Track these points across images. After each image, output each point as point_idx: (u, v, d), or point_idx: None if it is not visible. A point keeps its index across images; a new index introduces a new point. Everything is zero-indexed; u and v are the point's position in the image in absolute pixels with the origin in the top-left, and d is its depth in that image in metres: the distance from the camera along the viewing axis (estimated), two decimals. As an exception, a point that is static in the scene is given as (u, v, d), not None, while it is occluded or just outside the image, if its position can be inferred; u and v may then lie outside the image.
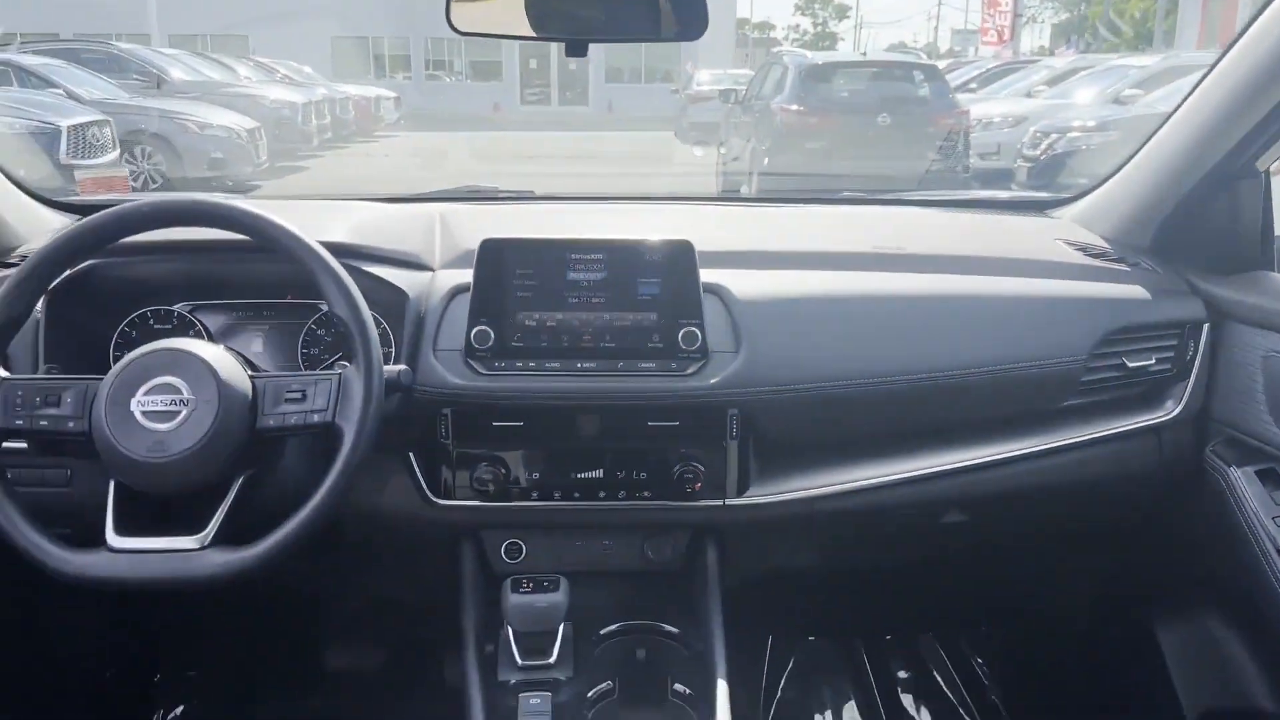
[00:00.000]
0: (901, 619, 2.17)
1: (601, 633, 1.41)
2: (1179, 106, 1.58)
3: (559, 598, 1.32)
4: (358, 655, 2.06)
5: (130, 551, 1.20)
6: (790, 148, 8.68)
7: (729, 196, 1.98)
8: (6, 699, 1.68)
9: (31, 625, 1.76)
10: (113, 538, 1.21)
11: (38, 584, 1.26)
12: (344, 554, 1.53)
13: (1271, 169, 1.59)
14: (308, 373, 1.29)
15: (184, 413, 1.20)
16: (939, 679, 2.13)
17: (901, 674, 2.15)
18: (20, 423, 1.23)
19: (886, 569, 1.91)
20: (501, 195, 2.02)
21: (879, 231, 1.74)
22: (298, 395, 1.25)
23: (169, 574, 1.19)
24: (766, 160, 8.68)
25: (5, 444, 1.24)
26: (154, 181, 8.60)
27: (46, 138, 7.47)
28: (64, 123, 7.59)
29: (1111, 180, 1.79)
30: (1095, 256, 1.67)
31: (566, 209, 1.91)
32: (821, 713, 2.08)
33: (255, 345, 1.55)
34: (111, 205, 1.68)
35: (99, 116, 8.05)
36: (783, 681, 2.11)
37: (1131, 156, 1.71)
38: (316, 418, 1.24)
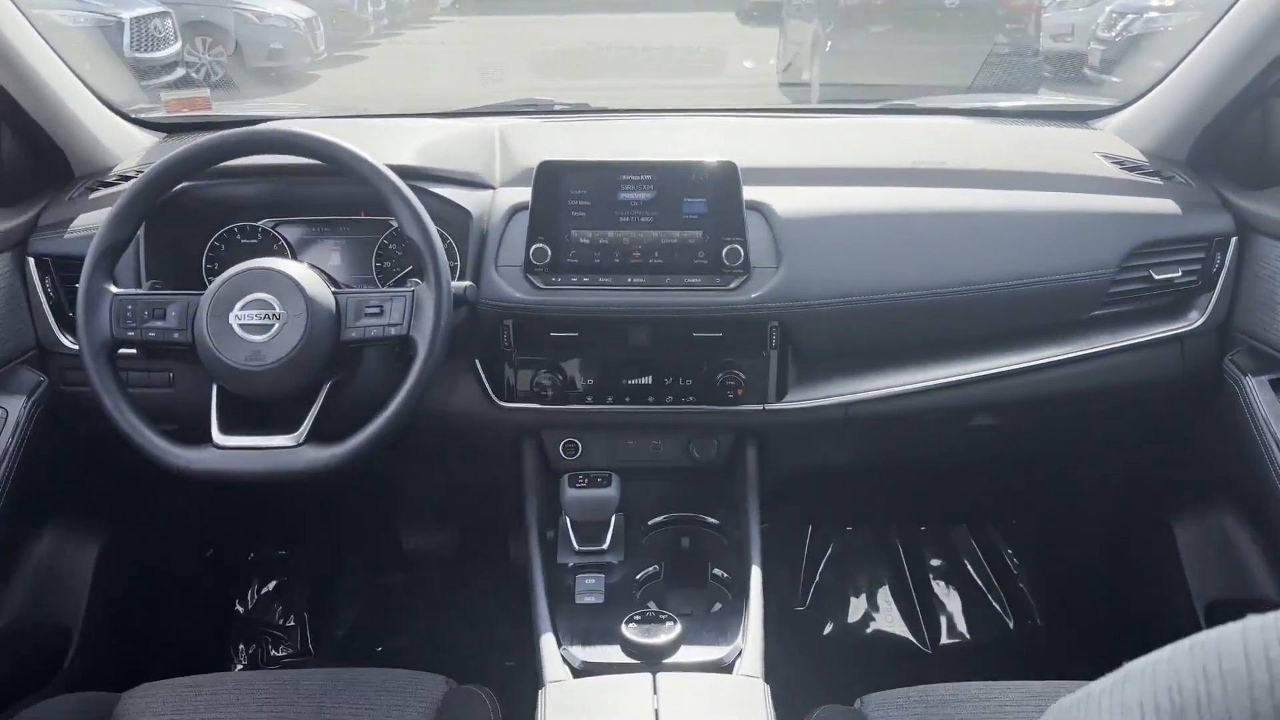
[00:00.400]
0: (935, 511, 2.30)
1: (650, 523, 1.56)
2: (1219, 20, 1.61)
3: (611, 492, 1.46)
4: (431, 536, 2.25)
5: (234, 449, 1.36)
6: (853, 31, 8.44)
7: (775, 109, 2.02)
8: (120, 579, 1.89)
9: (141, 514, 1.96)
10: (218, 436, 1.36)
11: (148, 477, 1.43)
12: (419, 449, 1.68)
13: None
14: (385, 289, 1.42)
15: (276, 326, 1.34)
16: (969, 567, 2.27)
17: (934, 561, 2.29)
18: (131, 333, 1.38)
19: (920, 466, 2.03)
20: (557, 109, 2.09)
21: (920, 145, 1.79)
22: (376, 310, 1.38)
23: (269, 468, 1.35)
24: (829, 45, 8.46)
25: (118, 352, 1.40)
26: (215, 74, 8.67)
27: (110, 31, 7.55)
28: (126, 15, 7.63)
29: (1153, 92, 1.82)
30: (1131, 170, 1.71)
31: (620, 124, 1.98)
32: (856, 595, 2.23)
33: (333, 258, 1.68)
34: (192, 121, 1.80)
35: (160, 8, 8.07)
36: (821, 566, 2.26)
37: (1173, 68, 1.74)
38: (393, 330, 1.37)
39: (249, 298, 1.36)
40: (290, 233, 1.66)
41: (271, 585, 2.23)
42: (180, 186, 1.53)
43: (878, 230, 1.58)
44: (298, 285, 1.36)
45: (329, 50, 9.89)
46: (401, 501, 2.20)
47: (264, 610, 2.21)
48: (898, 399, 1.60)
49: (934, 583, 2.25)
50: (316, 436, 1.36)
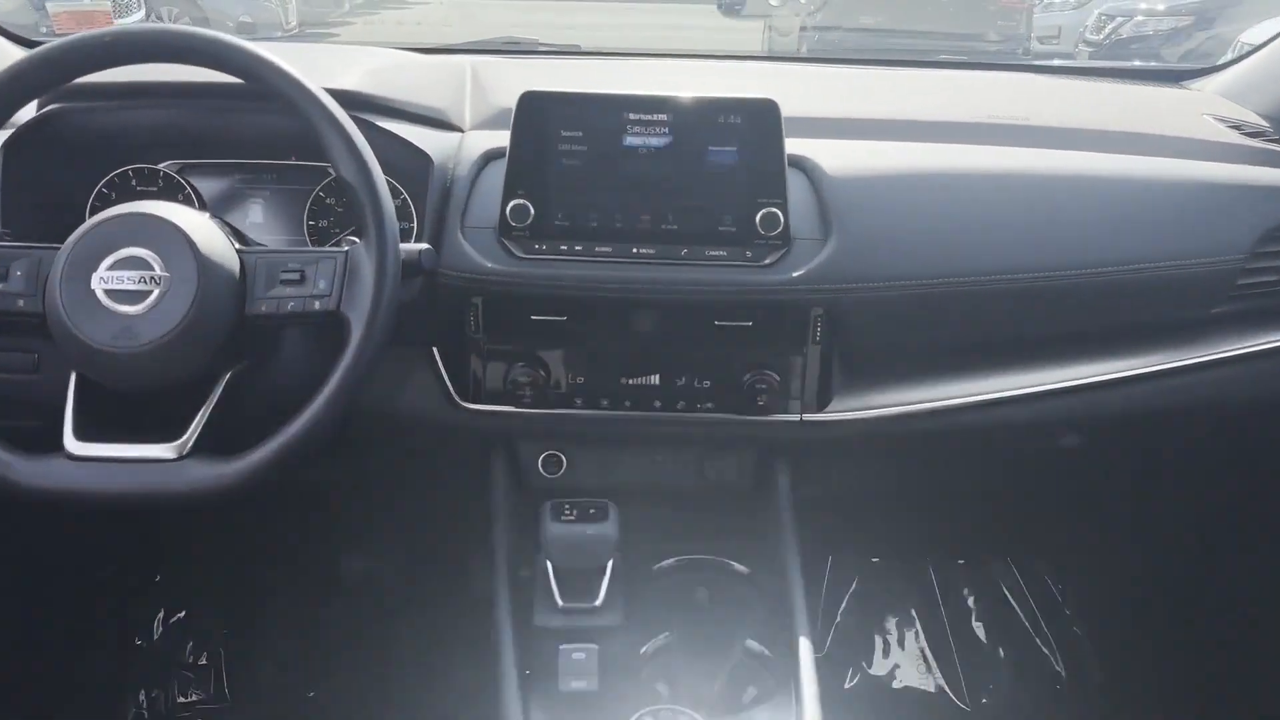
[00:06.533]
0: (974, 540, 1.97)
1: (656, 567, 1.21)
2: None
3: (608, 529, 1.12)
4: (374, 559, 1.90)
5: (93, 459, 1.00)
6: (842, 17, 8.16)
7: (811, 57, 1.66)
8: None
9: (11, 531, 1.59)
10: (72, 443, 1.01)
11: None
12: (356, 459, 1.34)
13: None
14: (307, 249, 1.06)
15: (156, 293, 0.99)
16: (1016, 607, 1.94)
17: (972, 600, 1.97)
18: None
19: (972, 490, 1.70)
20: (542, 49, 1.76)
21: (991, 98, 1.47)
22: (295, 275, 1.03)
23: (139, 489, 1.00)
24: (816, 38, 8.18)
25: None
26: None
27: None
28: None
29: (1267, 48, 1.50)
30: (1253, 135, 1.40)
31: (619, 66, 1.65)
32: (884, 637, 1.91)
33: (254, 214, 1.36)
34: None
35: (126, -27, 7.68)
36: (842, 605, 1.93)
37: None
38: (318, 305, 1.03)
39: (119, 254, 1.01)
40: (202, 181, 1.33)
41: (181, 615, 1.89)
42: (52, 109, 1.20)
43: (951, 195, 1.26)
44: (186, 239, 1.01)
45: (301, 27, 9.52)
46: (341, 515, 1.84)
47: (171, 644, 1.87)
48: (969, 411, 1.27)
49: (974, 625, 1.93)
50: (208, 447, 1.01)
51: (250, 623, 1.88)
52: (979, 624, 1.93)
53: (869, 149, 1.29)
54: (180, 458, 1.00)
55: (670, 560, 1.22)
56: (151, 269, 1.00)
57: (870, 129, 1.33)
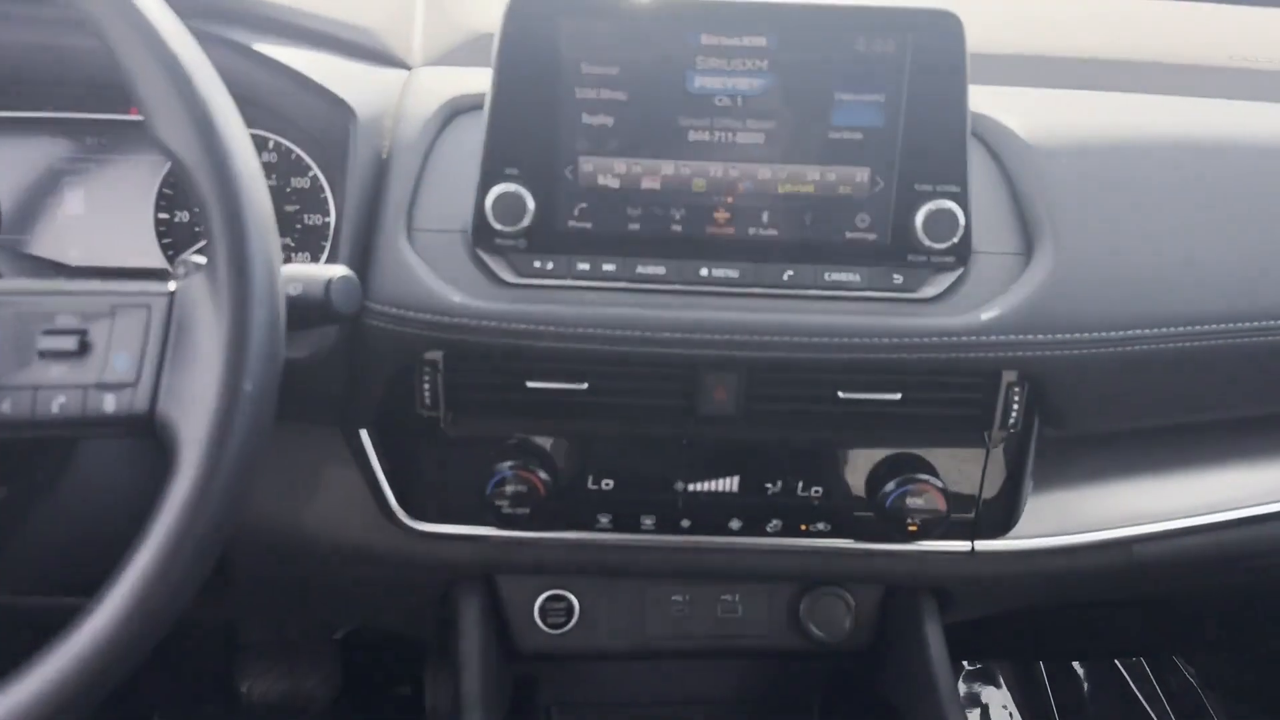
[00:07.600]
0: (1101, 639, 1.51)
1: None
2: None
3: None
4: (291, 682, 1.38)
5: None
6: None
7: None
8: None
9: None
10: None
11: None
12: (241, 597, 0.84)
13: None
14: (89, 287, 0.55)
15: None
16: (1149, 712, 1.48)
17: (1096, 711, 1.51)
18: None
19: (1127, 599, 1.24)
20: None
21: (1215, 34, 0.98)
22: (68, 343, 0.53)
23: None
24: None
25: None
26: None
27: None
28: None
29: None
30: None
31: None
32: None
33: (72, 203, 0.87)
34: None
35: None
36: None
37: None
38: (111, 403, 0.53)
39: None
40: None
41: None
42: None
43: (1218, 181, 0.77)
44: None
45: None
46: (236, 624, 1.34)
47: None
48: (1227, 530, 0.80)
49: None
50: None
51: None
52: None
53: (1075, 102, 0.80)
54: None
55: None
56: None
57: (1081, 73, 0.85)
